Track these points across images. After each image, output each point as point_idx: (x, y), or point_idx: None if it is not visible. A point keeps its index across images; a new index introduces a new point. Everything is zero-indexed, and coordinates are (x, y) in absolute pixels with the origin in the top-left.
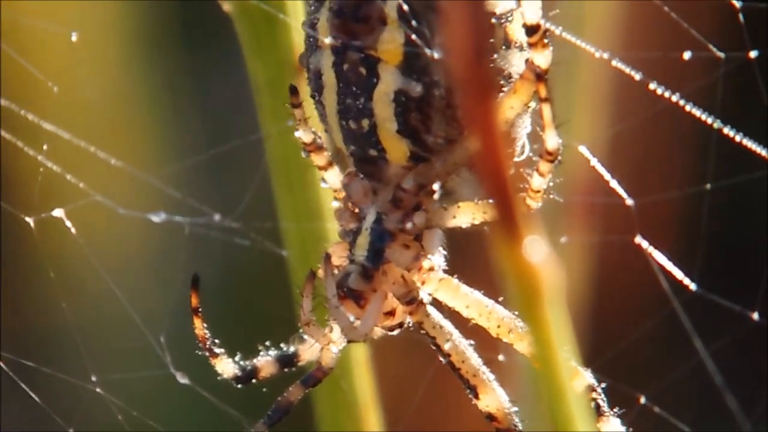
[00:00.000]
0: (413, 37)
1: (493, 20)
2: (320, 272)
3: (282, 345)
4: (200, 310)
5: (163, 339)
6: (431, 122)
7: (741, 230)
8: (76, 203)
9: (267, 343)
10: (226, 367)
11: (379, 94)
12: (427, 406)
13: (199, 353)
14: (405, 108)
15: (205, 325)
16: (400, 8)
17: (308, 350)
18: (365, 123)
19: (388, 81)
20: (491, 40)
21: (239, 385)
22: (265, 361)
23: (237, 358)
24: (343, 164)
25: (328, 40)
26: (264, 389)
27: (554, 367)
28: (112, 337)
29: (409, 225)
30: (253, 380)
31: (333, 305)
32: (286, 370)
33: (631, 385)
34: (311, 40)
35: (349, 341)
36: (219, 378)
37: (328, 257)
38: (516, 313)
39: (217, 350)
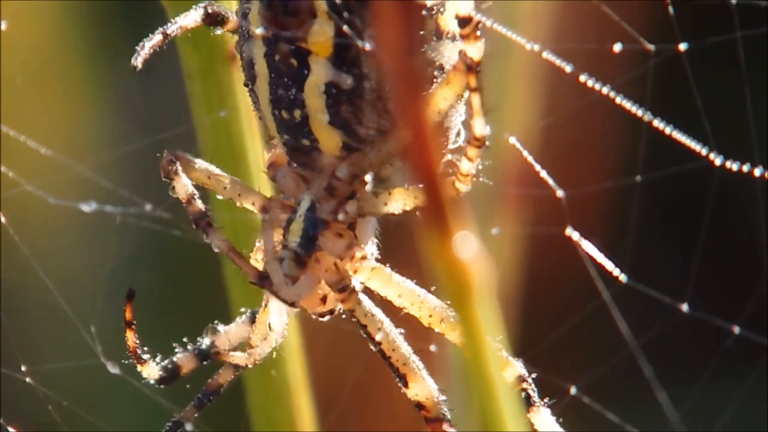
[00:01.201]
0: (344, 29)
1: (424, 12)
2: (260, 215)
3: (199, 338)
4: (134, 323)
5: (93, 329)
6: (362, 114)
7: (671, 223)
8: (6, 192)
9: (185, 339)
10: (152, 371)
11: (310, 85)
12: (359, 393)
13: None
14: (336, 100)
15: (136, 336)
16: (330, 1)
17: (224, 341)
18: (297, 113)
19: (319, 73)
20: (422, 32)
21: (163, 386)
22: (185, 357)
23: (158, 359)
24: (275, 151)
25: (259, 31)
26: (193, 382)
27: (484, 360)
28: (42, 328)
29: (342, 214)
30: (177, 378)
31: (270, 258)
32: (205, 362)
33: (561, 376)
34: (243, 29)
35: (280, 301)
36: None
37: (264, 209)
38: (448, 303)
39: (144, 357)
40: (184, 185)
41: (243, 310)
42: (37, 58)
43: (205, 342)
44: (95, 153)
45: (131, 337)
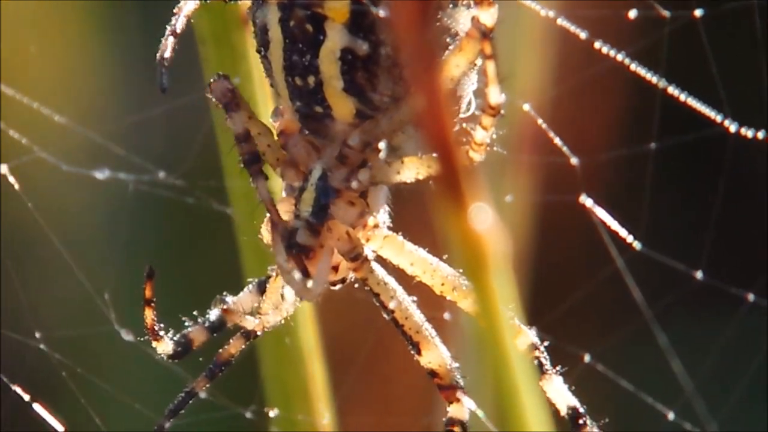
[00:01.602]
0: None
1: None
2: (266, 236)
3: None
4: (153, 301)
5: (107, 296)
6: (377, 81)
7: (686, 190)
8: (19, 159)
9: (197, 308)
10: (166, 346)
11: (325, 51)
12: (372, 360)
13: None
14: (351, 66)
15: (155, 314)
16: None
17: (234, 313)
18: (311, 80)
19: (335, 39)
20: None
21: (176, 360)
22: (196, 330)
23: (171, 335)
24: (286, 119)
25: None
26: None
27: (498, 329)
28: (56, 294)
29: (354, 182)
30: (189, 351)
31: (285, 270)
32: (215, 334)
33: (575, 343)
34: None
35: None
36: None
37: (274, 224)
38: (460, 271)
39: (160, 333)
40: (242, 118)
41: (251, 279)
42: (51, 25)
43: (214, 313)
44: (108, 120)
45: (150, 315)
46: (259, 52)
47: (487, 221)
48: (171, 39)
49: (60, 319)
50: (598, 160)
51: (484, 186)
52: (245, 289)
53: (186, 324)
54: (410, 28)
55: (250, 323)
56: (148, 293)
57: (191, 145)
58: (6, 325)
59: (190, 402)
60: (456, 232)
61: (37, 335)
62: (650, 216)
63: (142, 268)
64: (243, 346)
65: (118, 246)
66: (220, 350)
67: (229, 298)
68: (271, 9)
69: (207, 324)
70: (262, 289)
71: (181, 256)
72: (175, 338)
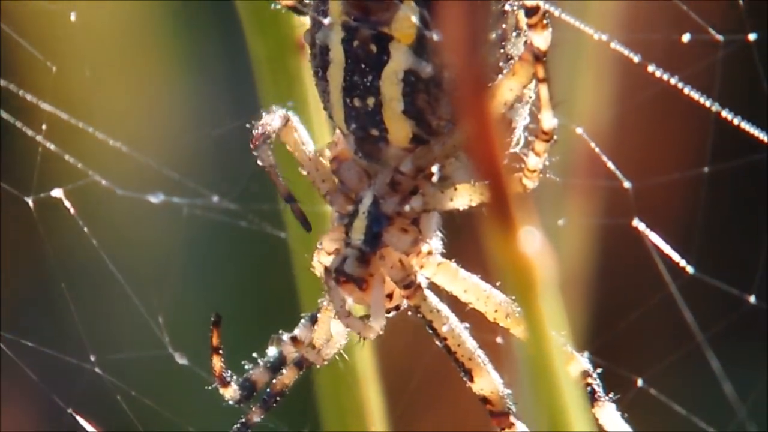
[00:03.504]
0: (428, 17)
1: (507, 6)
2: (317, 268)
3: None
4: (221, 349)
5: (161, 320)
6: (438, 104)
7: (739, 214)
8: (74, 183)
9: (254, 335)
10: (233, 392)
11: (387, 72)
12: (426, 385)
13: (207, 376)
14: (413, 88)
15: (223, 361)
16: None
17: (291, 351)
18: (371, 101)
19: (399, 60)
20: (504, 26)
21: (242, 404)
22: (258, 372)
23: (235, 379)
24: (340, 145)
25: (340, 16)
26: None
27: (548, 356)
28: (110, 318)
29: (406, 209)
30: (254, 394)
31: (343, 315)
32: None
33: (628, 368)
34: (321, 14)
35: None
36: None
37: (328, 272)
38: (513, 298)
39: (228, 380)
40: (267, 152)
41: (303, 315)
42: (105, 50)
43: (272, 352)
44: (161, 144)
45: (217, 362)
46: (316, 73)
47: (537, 246)
48: (279, 179)
49: (114, 343)
50: (651, 184)
51: (534, 212)
52: (300, 325)
53: (245, 364)
54: (461, 50)
55: (312, 355)
56: (215, 341)
57: (244, 169)
58: (61, 348)
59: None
60: (505, 257)
61: (92, 358)
62: (703, 240)
63: (196, 291)
64: (296, 376)
65: (172, 270)
66: (274, 381)
67: (285, 335)
68: (334, 29)
69: (268, 364)
70: (314, 321)
71: (236, 280)
72: (239, 382)
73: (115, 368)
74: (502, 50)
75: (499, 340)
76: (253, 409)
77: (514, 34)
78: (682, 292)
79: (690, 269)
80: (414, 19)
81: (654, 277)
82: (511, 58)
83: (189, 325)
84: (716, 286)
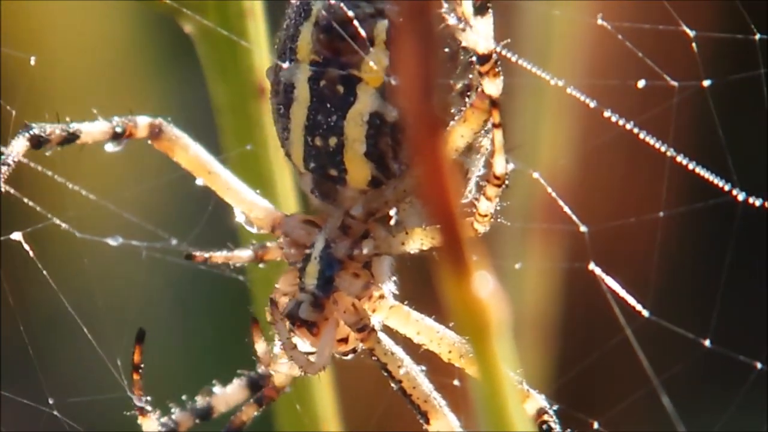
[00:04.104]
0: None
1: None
2: (267, 316)
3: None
4: (141, 367)
5: (119, 362)
6: (400, 148)
7: (694, 258)
8: (34, 226)
9: (208, 377)
10: (152, 425)
11: (353, 113)
12: (385, 424)
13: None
14: (377, 131)
15: (141, 382)
16: (389, 30)
17: (222, 402)
18: (332, 141)
19: (366, 102)
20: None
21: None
22: (183, 415)
23: (158, 416)
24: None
25: (309, 55)
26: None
27: (503, 397)
28: (69, 360)
29: (357, 252)
30: None
31: (288, 348)
32: (199, 421)
33: (585, 411)
34: (287, 52)
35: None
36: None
37: (273, 303)
38: (467, 338)
39: (147, 408)
40: None
41: (240, 372)
42: (63, 95)
43: (201, 401)
44: (121, 188)
45: (137, 383)
46: (278, 110)
47: (490, 289)
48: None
49: (73, 385)
50: (607, 228)
51: (486, 255)
52: (235, 382)
53: (172, 408)
54: (415, 96)
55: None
56: (136, 358)
57: (203, 211)
58: (18, 391)
59: None
60: (458, 300)
61: (51, 401)
62: (659, 283)
63: (155, 333)
64: (255, 413)
65: (131, 312)
66: (233, 417)
67: (218, 389)
68: (301, 68)
69: (195, 411)
70: (251, 385)
71: (194, 322)
72: (161, 420)
73: (73, 411)
74: (467, 100)
75: (456, 382)
76: None
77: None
78: (638, 335)
79: (645, 313)
80: (384, 62)
81: (610, 320)
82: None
83: (146, 368)
84: (672, 329)
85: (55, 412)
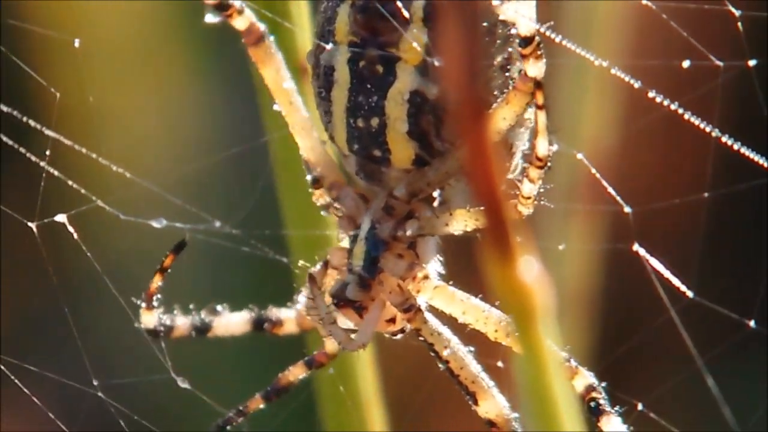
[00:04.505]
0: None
1: (513, 30)
2: (305, 290)
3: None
4: (167, 271)
5: (163, 344)
6: (442, 126)
7: (738, 239)
8: (78, 209)
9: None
10: (151, 319)
11: (393, 92)
12: (430, 407)
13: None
14: (418, 109)
15: (160, 283)
16: (426, 7)
17: (222, 326)
18: (375, 122)
19: (405, 80)
20: (510, 50)
21: (150, 337)
22: (183, 323)
23: (161, 313)
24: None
25: (347, 36)
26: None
27: (549, 384)
28: (113, 342)
29: (401, 233)
30: (166, 337)
31: (327, 323)
32: (195, 334)
33: (629, 392)
34: (325, 35)
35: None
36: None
37: (312, 278)
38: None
39: (154, 304)
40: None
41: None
42: (109, 76)
43: (204, 317)
44: (164, 170)
45: (156, 282)
46: (319, 94)
47: (535, 273)
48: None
49: (117, 367)
50: (651, 209)
51: (531, 237)
52: (242, 314)
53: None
54: (461, 75)
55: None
56: (167, 262)
57: (246, 195)
58: (64, 373)
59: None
60: (503, 284)
61: (95, 383)
62: (703, 264)
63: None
64: (303, 375)
65: (174, 294)
66: (280, 375)
67: (224, 312)
68: (340, 50)
69: (194, 322)
70: (256, 323)
71: (238, 306)
72: (162, 317)
73: (117, 392)
74: (507, 74)
75: (499, 364)
76: (253, 398)
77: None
78: (682, 316)
79: (690, 293)
80: (423, 39)
81: (654, 301)
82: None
83: (191, 349)
84: (716, 310)
85: (100, 394)
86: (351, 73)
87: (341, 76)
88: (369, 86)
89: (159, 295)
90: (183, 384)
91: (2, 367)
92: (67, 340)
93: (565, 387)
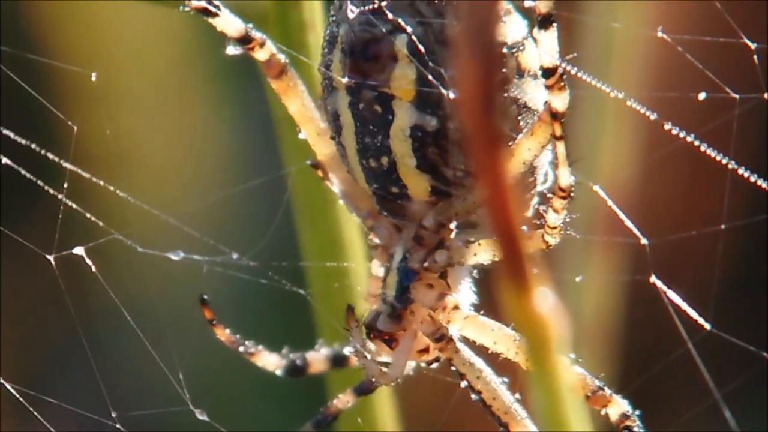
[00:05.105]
0: (425, 72)
1: (505, 50)
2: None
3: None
4: (215, 321)
5: (181, 376)
6: (449, 155)
7: (755, 270)
8: (96, 241)
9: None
10: (268, 360)
11: (395, 130)
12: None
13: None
14: (422, 143)
15: (227, 330)
16: (410, 44)
17: (314, 361)
18: (384, 160)
19: (403, 117)
20: (504, 71)
21: (290, 376)
22: (316, 358)
23: (283, 352)
24: (364, 203)
25: (342, 80)
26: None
27: (563, 411)
28: (131, 374)
29: (431, 263)
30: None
31: (361, 357)
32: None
33: (647, 424)
34: (327, 81)
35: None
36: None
37: (350, 309)
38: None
39: (252, 349)
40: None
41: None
42: (124, 109)
43: (296, 355)
44: (181, 202)
45: (220, 332)
46: (333, 138)
47: (550, 305)
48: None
49: (136, 399)
50: (668, 241)
51: (546, 269)
52: (320, 351)
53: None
54: (474, 119)
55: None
56: (207, 315)
57: (263, 227)
58: (83, 405)
59: None
60: (519, 315)
61: (114, 414)
62: (720, 296)
63: (216, 348)
64: (352, 402)
65: (192, 326)
66: (329, 403)
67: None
68: (340, 94)
69: (328, 355)
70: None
71: (256, 338)
72: (289, 356)
73: (136, 424)
74: (505, 95)
75: (517, 396)
76: (305, 425)
77: (517, 76)
78: (700, 348)
79: (707, 325)
80: (411, 74)
81: (672, 333)
82: (525, 105)
83: (209, 381)
84: (734, 342)
85: (118, 426)
86: (354, 117)
87: (346, 120)
88: (372, 127)
89: (238, 336)
90: (201, 416)
91: (21, 399)
92: (85, 371)
93: (581, 415)
